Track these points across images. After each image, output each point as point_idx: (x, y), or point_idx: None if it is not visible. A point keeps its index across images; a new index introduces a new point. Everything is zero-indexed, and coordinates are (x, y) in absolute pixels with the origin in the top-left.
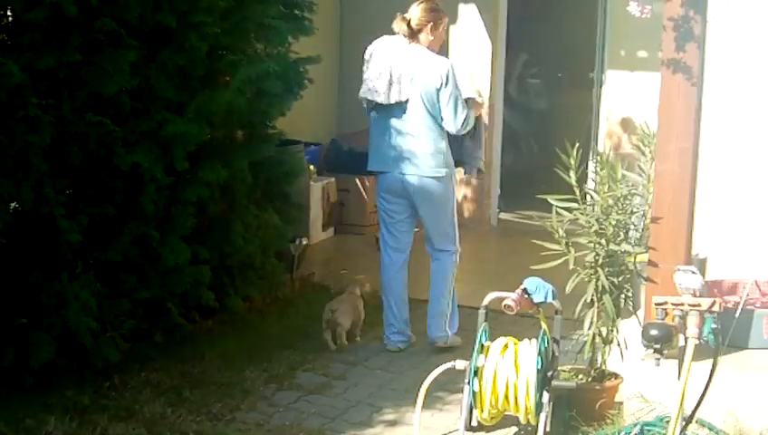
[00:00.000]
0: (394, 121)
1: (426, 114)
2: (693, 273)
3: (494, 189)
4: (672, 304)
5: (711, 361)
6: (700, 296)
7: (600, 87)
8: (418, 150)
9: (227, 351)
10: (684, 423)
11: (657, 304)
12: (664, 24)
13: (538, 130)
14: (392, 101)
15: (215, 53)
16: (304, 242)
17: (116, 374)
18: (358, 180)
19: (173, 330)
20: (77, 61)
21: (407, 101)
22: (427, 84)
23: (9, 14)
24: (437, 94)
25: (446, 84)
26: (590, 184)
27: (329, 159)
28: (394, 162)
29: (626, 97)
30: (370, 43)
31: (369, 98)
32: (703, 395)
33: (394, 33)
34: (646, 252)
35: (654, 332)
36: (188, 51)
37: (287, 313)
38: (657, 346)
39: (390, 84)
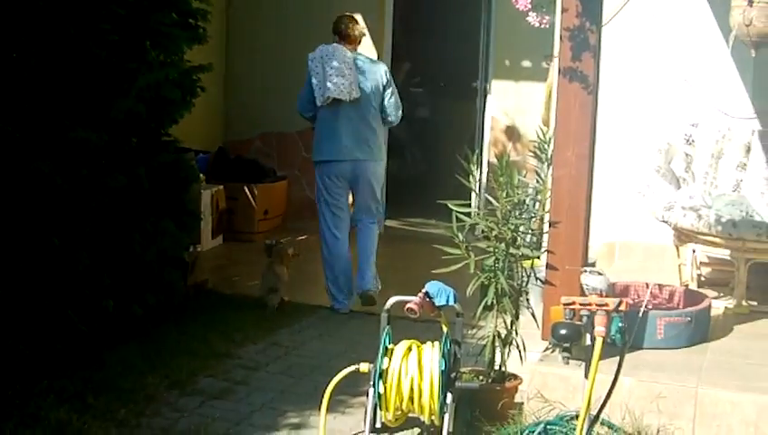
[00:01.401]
0: (348, 116)
1: (374, 109)
2: (599, 274)
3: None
4: (580, 304)
5: (597, 360)
6: (606, 296)
7: (485, 96)
8: (371, 140)
9: (128, 357)
10: (590, 422)
11: (564, 304)
12: (560, 34)
13: (421, 139)
14: (350, 99)
15: (113, 61)
16: (198, 249)
17: (18, 382)
18: (246, 188)
19: (74, 337)
20: None
21: (359, 98)
22: (376, 83)
23: None
24: (383, 91)
25: (389, 83)
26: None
27: (216, 167)
28: (348, 151)
29: (510, 106)
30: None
31: (335, 96)
32: (609, 394)
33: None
34: (538, 257)
35: (563, 331)
36: (89, 57)
37: (184, 319)
38: (566, 345)
39: (350, 84)
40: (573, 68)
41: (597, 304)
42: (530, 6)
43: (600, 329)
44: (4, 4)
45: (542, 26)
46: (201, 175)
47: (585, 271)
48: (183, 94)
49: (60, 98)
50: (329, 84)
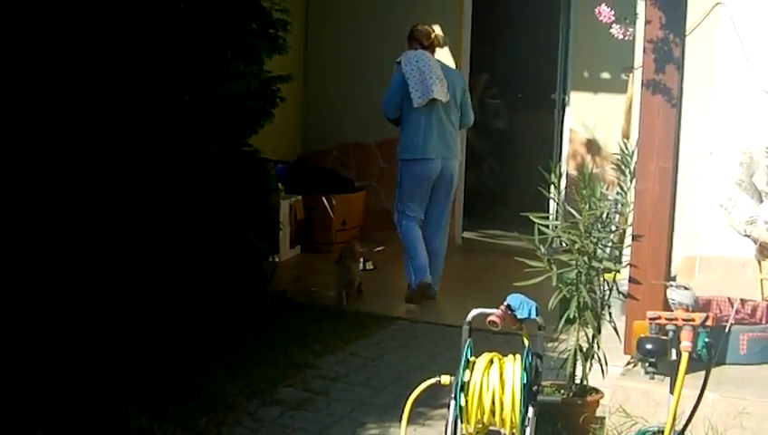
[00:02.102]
0: (439, 117)
1: (457, 111)
2: (685, 288)
3: (458, 209)
4: (666, 318)
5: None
6: (692, 311)
7: (563, 108)
8: (455, 140)
9: (208, 366)
10: None
11: (650, 319)
12: (644, 46)
13: (498, 151)
14: (445, 101)
15: (194, 71)
16: (276, 259)
17: (99, 389)
18: (324, 198)
19: (154, 345)
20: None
21: (447, 102)
22: (457, 88)
23: None
24: (463, 95)
25: (466, 88)
26: (552, 204)
27: (295, 178)
28: (438, 150)
29: (589, 118)
30: (401, 60)
31: (435, 98)
32: (694, 409)
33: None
34: (618, 270)
35: (649, 346)
36: (170, 69)
37: (263, 329)
38: (652, 360)
39: (445, 87)
40: (657, 80)
41: (683, 319)
42: (613, 18)
43: (686, 344)
44: (89, 24)
45: (626, 38)
46: (280, 185)
47: (671, 285)
48: (264, 104)
49: (141, 107)
50: (433, 87)
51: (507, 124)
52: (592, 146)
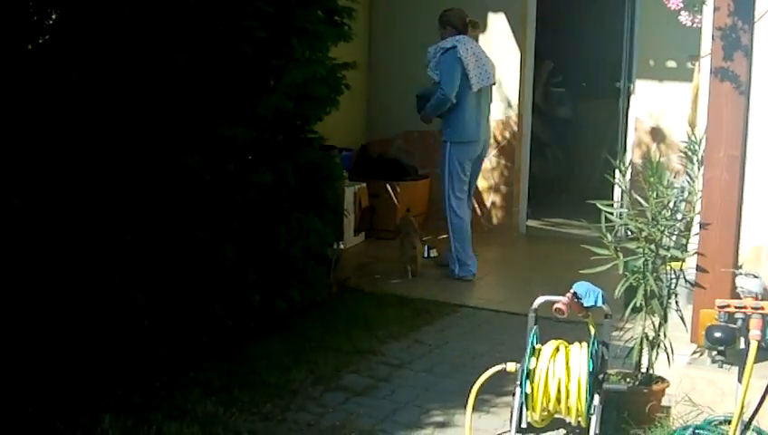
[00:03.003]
0: (485, 100)
1: (491, 95)
2: (754, 276)
3: (522, 197)
4: (735, 306)
5: (751, 364)
6: (761, 299)
7: (628, 96)
8: (486, 122)
9: (272, 352)
10: (743, 427)
11: (719, 307)
12: (712, 34)
13: (562, 139)
14: (490, 83)
15: (260, 58)
16: (341, 246)
17: (165, 374)
18: (388, 186)
19: (219, 330)
20: (129, 62)
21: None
22: (492, 73)
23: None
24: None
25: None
26: (616, 193)
27: (359, 165)
28: (483, 131)
29: (654, 107)
30: (435, 46)
31: (488, 84)
32: (762, 399)
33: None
34: (684, 259)
35: (717, 334)
36: (236, 54)
37: (327, 316)
38: (721, 348)
39: (493, 72)
40: (725, 68)
41: (752, 308)
42: (682, 5)
43: (755, 332)
44: (156, 3)
45: (695, 25)
46: (345, 172)
47: (740, 273)
48: (329, 91)
49: (208, 95)
50: (489, 72)
51: (571, 113)
52: (657, 134)
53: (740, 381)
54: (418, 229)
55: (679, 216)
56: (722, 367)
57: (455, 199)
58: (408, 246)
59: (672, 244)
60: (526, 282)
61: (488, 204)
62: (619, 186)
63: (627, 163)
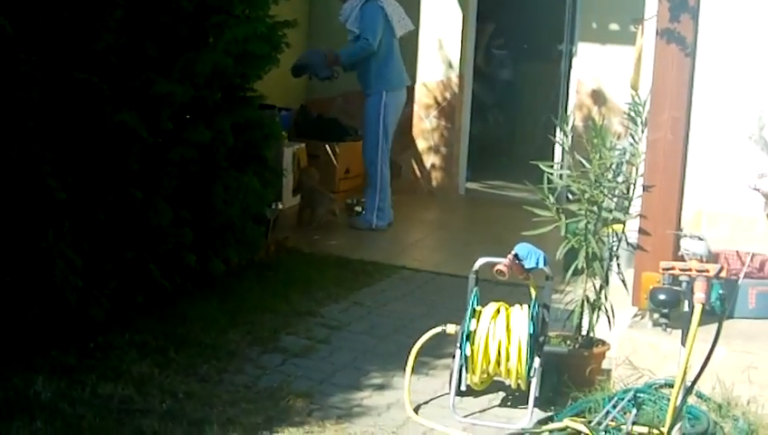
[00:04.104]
0: (399, 49)
1: None
2: (699, 239)
3: (462, 158)
4: (680, 269)
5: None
6: (706, 262)
7: (570, 59)
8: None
9: (209, 313)
10: (686, 392)
11: (664, 269)
12: None
13: (503, 101)
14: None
15: (200, 14)
16: (279, 206)
17: (100, 335)
18: (327, 146)
19: (155, 291)
20: (64, 17)
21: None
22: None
23: None
24: None
25: None
26: (557, 154)
27: (298, 125)
28: (405, 78)
29: (596, 69)
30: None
31: (409, 30)
32: (705, 363)
33: None
34: (626, 221)
35: (662, 296)
36: (175, 10)
37: (265, 276)
38: (665, 311)
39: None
40: (671, 29)
41: (697, 270)
42: None
43: (699, 295)
44: None
45: None
46: (284, 132)
47: (685, 235)
48: (269, 49)
49: (145, 50)
50: (407, 19)
51: (513, 75)
52: (599, 97)
53: (683, 344)
54: (317, 179)
55: (622, 178)
56: (665, 330)
57: (386, 151)
58: (307, 196)
59: (614, 206)
60: (466, 244)
61: (428, 166)
62: (561, 146)
63: (569, 124)
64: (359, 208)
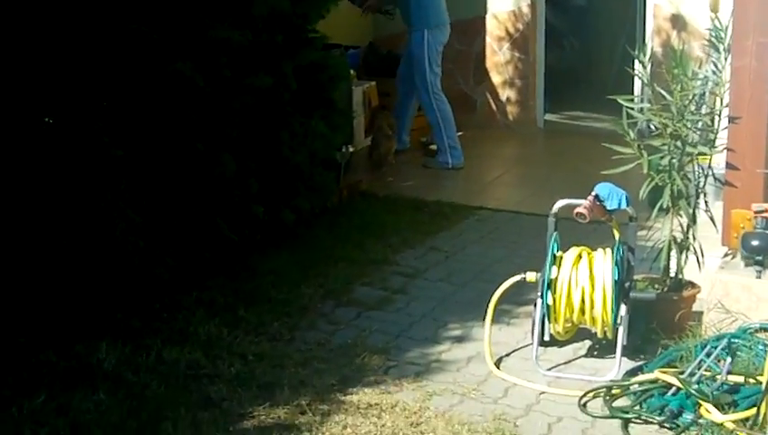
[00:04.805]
0: None
1: None
2: None
3: (539, 90)
4: None
5: None
6: None
7: None
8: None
9: (280, 266)
10: None
11: (756, 212)
12: None
13: (578, 28)
14: None
15: None
16: (350, 149)
17: (166, 295)
18: None
19: (222, 246)
20: None
21: None
22: None
23: None
24: None
25: None
26: (636, 84)
27: (368, 63)
28: (447, 15)
29: None
30: None
31: None
32: None
33: None
34: (710, 155)
35: (755, 242)
36: None
37: (338, 223)
38: (759, 257)
39: None
40: None
41: None
42: None
43: None
44: None
45: None
46: (352, 71)
47: None
48: None
49: None
50: None
51: (587, 0)
52: (678, 22)
53: None
54: (392, 121)
55: (706, 109)
56: (760, 277)
57: (437, 87)
58: (379, 139)
59: (698, 139)
60: (546, 180)
61: (504, 99)
62: (640, 78)
63: (647, 54)
64: (434, 147)
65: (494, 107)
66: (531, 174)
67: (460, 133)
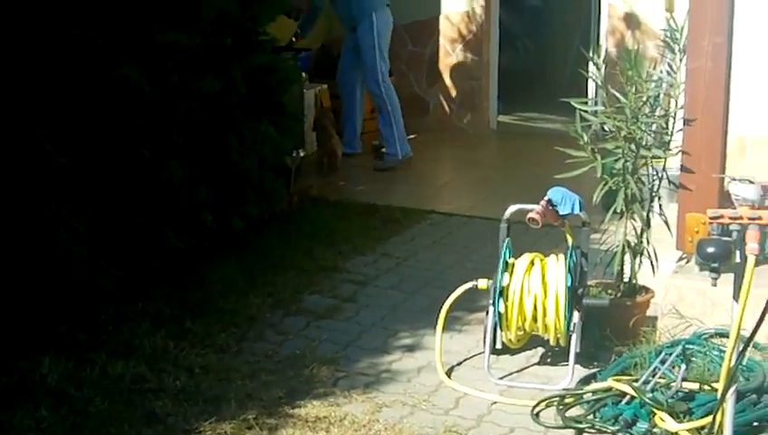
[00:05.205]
0: None
1: None
2: (750, 182)
3: (492, 91)
4: (729, 217)
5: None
6: (758, 208)
7: None
8: None
9: (228, 275)
10: (743, 345)
11: (711, 219)
12: None
13: (533, 29)
14: None
15: None
16: (301, 154)
17: (111, 306)
18: None
19: (169, 254)
20: None
21: None
22: None
23: None
24: None
25: None
26: (591, 86)
27: (319, 65)
28: None
29: None
30: None
31: None
32: (763, 315)
33: None
34: (664, 158)
35: (711, 249)
36: None
37: (288, 230)
38: (715, 265)
39: None
40: None
41: (749, 218)
42: None
43: (752, 246)
44: None
45: None
46: (303, 74)
47: (734, 179)
48: None
49: None
50: None
51: (541, 0)
52: (632, 21)
53: (735, 299)
54: (333, 123)
55: (660, 111)
56: (715, 285)
57: (387, 76)
58: (324, 139)
59: (652, 142)
60: (498, 184)
61: (457, 101)
62: (594, 80)
63: (601, 55)
64: (384, 150)
65: (446, 109)
66: (484, 177)
67: (413, 136)
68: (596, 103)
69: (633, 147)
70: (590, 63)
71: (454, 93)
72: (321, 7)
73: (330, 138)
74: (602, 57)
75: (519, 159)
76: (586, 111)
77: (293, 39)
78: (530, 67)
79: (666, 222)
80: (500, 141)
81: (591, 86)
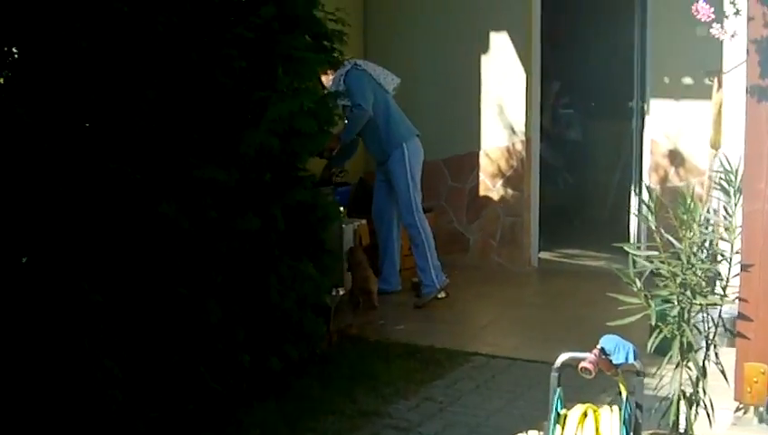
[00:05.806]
0: (394, 105)
1: None
2: None
3: (533, 228)
4: None
5: None
6: None
7: (642, 117)
8: None
9: (267, 418)
10: None
11: None
12: (747, 47)
13: (573, 164)
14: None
15: (241, 89)
16: (341, 292)
17: None
18: None
19: (206, 397)
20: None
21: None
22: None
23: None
24: None
25: None
26: (633, 222)
27: (358, 200)
28: (412, 129)
29: (671, 127)
30: None
31: (395, 85)
32: None
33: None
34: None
35: None
36: (213, 87)
37: (327, 372)
38: None
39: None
40: (763, 86)
41: None
42: (713, 16)
43: None
44: (118, 33)
45: (725, 38)
46: (342, 209)
47: None
48: (319, 124)
49: (182, 133)
50: (393, 75)
51: (581, 135)
52: (676, 157)
53: None
54: (367, 259)
55: (715, 255)
56: None
57: (420, 206)
58: (358, 278)
59: (709, 289)
60: (543, 323)
61: (497, 237)
62: (648, 224)
63: (649, 194)
64: (420, 281)
65: (487, 245)
66: (526, 317)
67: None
68: (639, 240)
69: (689, 293)
70: (638, 203)
71: (494, 230)
72: (349, 143)
73: (364, 275)
74: (654, 204)
75: (562, 298)
76: (639, 256)
77: (333, 173)
78: (570, 203)
79: (722, 371)
80: (542, 279)
81: (633, 222)
